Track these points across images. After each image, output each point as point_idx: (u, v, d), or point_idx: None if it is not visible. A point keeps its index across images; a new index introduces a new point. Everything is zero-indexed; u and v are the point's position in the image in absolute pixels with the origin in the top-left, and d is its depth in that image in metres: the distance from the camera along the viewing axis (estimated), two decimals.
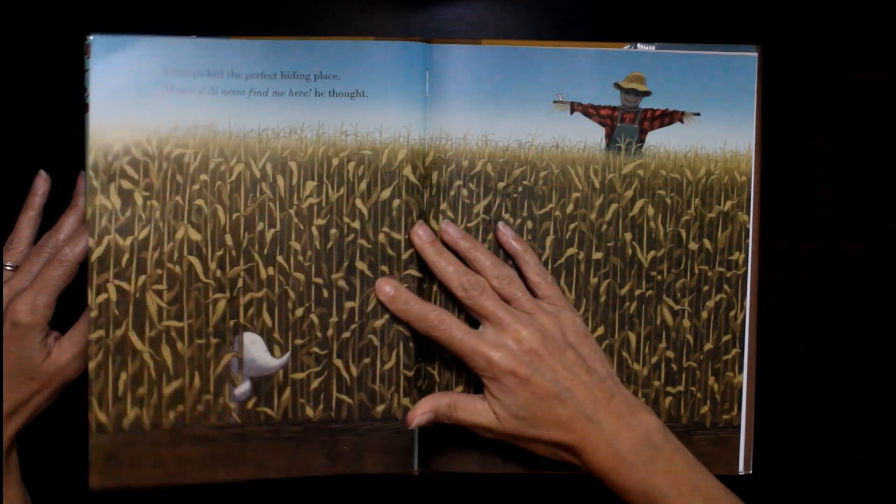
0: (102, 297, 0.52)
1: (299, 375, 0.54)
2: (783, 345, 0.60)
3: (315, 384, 0.54)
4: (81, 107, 0.54)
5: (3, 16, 0.58)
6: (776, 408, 0.60)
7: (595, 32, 0.59)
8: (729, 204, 0.57)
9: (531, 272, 0.54)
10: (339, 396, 0.55)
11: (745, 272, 0.57)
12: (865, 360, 0.60)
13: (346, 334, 0.54)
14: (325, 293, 0.54)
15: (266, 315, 0.54)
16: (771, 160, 0.58)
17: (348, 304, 0.54)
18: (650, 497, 0.49)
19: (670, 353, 0.57)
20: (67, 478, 0.58)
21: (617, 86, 0.56)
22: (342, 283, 0.54)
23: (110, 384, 0.52)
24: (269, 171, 0.54)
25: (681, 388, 0.57)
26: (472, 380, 0.53)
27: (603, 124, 0.56)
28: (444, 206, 0.55)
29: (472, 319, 0.53)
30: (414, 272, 0.54)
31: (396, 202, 0.54)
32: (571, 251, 0.56)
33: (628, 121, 0.56)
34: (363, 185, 0.54)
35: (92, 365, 0.52)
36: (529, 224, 0.56)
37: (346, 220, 0.54)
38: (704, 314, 0.57)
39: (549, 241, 0.56)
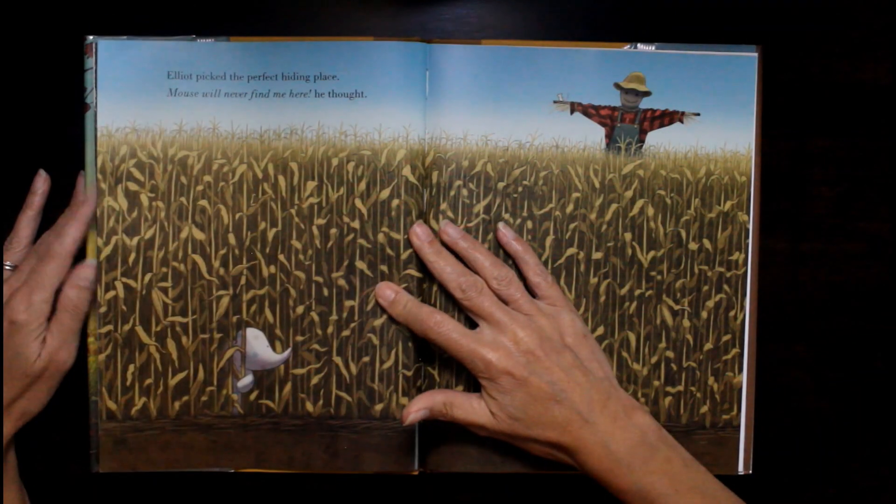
0: (111, 293, 0.55)
1: (300, 371, 0.56)
2: (783, 345, 0.60)
3: (315, 380, 0.56)
4: (81, 107, 0.55)
5: (3, 16, 0.58)
6: (776, 408, 0.60)
7: (595, 32, 0.59)
8: (729, 204, 0.57)
9: (531, 273, 0.55)
10: (339, 393, 0.56)
11: (745, 272, 0.57)
12: (865, 360, 0.60)
13: (346, 332, 0.56)
14: (326, 291, 0.56)
15: (268, 312, 0.56)
16: (771, 160, 0.59)
17: (348, 303, 0.56)
18: (647, 498, 0.50)
19: (670, 353, 0.57)
20: (66, 474, 0.59)
21: (617, 86, 0.56)
22: (342, 281, 0.56)
23: (119, 375, 0.55)
24: (271, 172, 0.55)
25: (680, 388, 0.57)
26: (472, 379, 0.54)
27: (603, 124, 0.57)
28: (443, 206, 0.56)
29: (471, 320, 0.54)
30: (413, 272, 0.55)
31: (395, 202, 0.55)
32: (571, 251, 0.57)
33: (628, 121, 0.57)
34: (362, 186, 0.55)
35: (101, 357, 0.55)
36: (529, 224, 0.57)
37: (345, 219, 0.55)
38: (704, 314, 0.57)
39: (548, 241, 0.57)
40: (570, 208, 0.57)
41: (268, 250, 0.56)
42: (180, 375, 0.56)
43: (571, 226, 0.57)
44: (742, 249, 0.57)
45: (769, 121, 0.58)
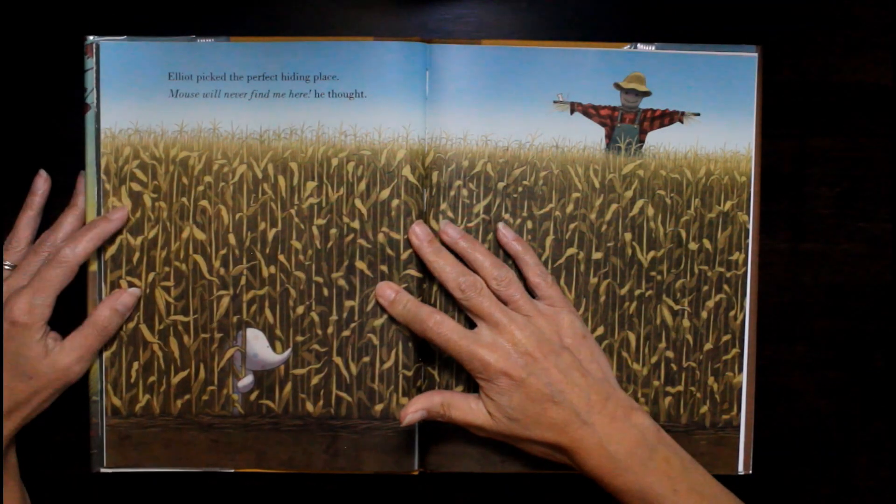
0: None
1: (300, 371, 0.57)
2: (783, 345, 0.60)
3: (315, 380, 0.57)
4: (82, 107, 0.56)
5: (3, 16, 0.59)
6: (776, 408, 0.60)
7: (595, 32, 0.59)
8: (729, 204, 0.58)
9: (531, 273, 0.55)
10: (339, 394, 0.57)
11: (745, 272, 0.58)
12: (865, 360, 0.61)
13: (346, 333, 0.56)
14: (326, 292, 0.56)
15: (268, 312, 0.56)
16: (771, 160, 0.59)
17: (348, 303, 0.56)
18: (646, 498, 0.50)
19: (670, 353, 0.58)
20: (67, 474, 0.60)
21: (617, 86, 0.57)
22: (342, 282, 0.56)
23: (124, 372, 0.56)
24: (271, 172, 0.56)
25: (680, 388, 0.58)
26: (472, 380, 0.54)
27: (603, 124, 0.57)
28: (443, 206, 0.56)
29: (471, 320, 0.54)
30: (413, 272, 0.56)
31: (395, 202, 0.56)
32: (571, 251, 0.57)
33: (628, 121, 0.57)
34: (362, 186, 0.56)
35: (107, 354, 0.56)
36: (529, 224, 0.57)
37: (345, 219, 0.56)
38: (704, 314, 0.58)
39: (548, 241, 0.57)
40: (570, 208, 0.57)
41: (268, 250, 0.56)
42: (182, 374, 0.57)
43: (571, 226, 0.57)
44: (742, 249, 0.58)
45: (769, 121, 0.58)
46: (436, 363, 0.57)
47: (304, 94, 0.56)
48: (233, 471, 0.57)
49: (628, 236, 0.58)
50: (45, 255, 0.54)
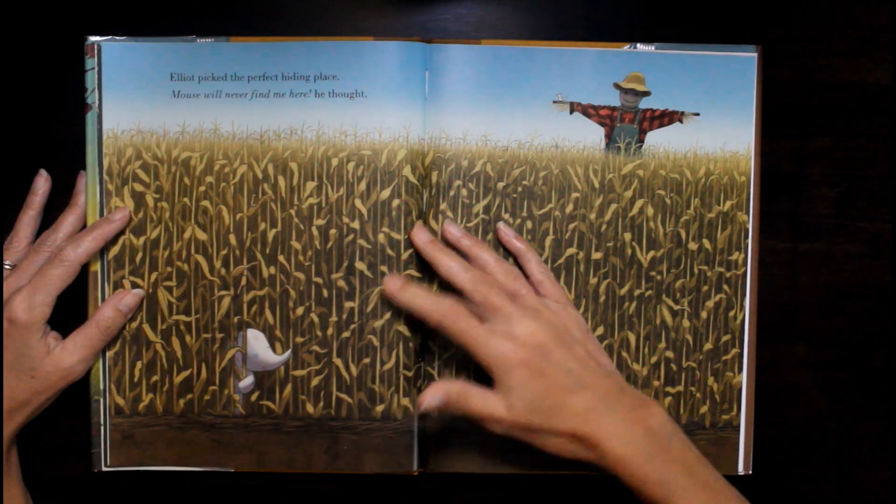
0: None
1: (300, 372, 0.57)
2: (783, 345, 0.61)
3: (315, 382, 0.57)
4: (82, 107, 0.56)
5: (3, 16, 0.59)
6: (776, 408, 0.61)
7: (595, 32, 0.60)
8: (728, 204, 0.58)
9: (534, 270, 0.55)
10: (339, 395, 0.57)
11: (745, 272, 0.58)
12: (865, 360, 0.61)
13: (346, 334, 0.57)
14: (325, 293, 0.57)
15: (268, 313, 0.57)
16: (771, 160, 0.60)
17: (348, 304, 0.57)
18: (668, 487, 0.49)
19: (670, 353, 0.58)
20: (68, 474, 0.60)
21: (616, 86, 0.57)
22: (342, 282, 0.57)
23: (127, 371, 0.57)
24: (271, 172, 0.57)
25: (680, 388, 0.58)
26: (472, 380, 0.54)
27: (602, 124, 0.58)
28: (443, 206, 0.57)
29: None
30: (413, 272, 0.56)
31: (396, 202, 0.56)
32: (571, 251, 0.58)
33: (628, 121, 0.58)
34: (362, 186, 0.56)
35: (110, 353, 0.57)
36: (529, 224, 0.57)
37: (345, 220, 0.57)
38: (704, 314, 0.58)
39: (548, 241, 0.58)
40: (569, 208, 0.58)
41: (268, 251, 0.57)
42: (185, 374, 0.57)
43: (571, 226, 0.58)
44: (742, 249, 0.58)
45: (769, 121, 0.59)
46: (436, 363, 0.57)
47: (305, 94, 0.56)
48: (233, 470, 0.57)
49: (628, 236, 0.58)
50: (46, 255, 0.55)
